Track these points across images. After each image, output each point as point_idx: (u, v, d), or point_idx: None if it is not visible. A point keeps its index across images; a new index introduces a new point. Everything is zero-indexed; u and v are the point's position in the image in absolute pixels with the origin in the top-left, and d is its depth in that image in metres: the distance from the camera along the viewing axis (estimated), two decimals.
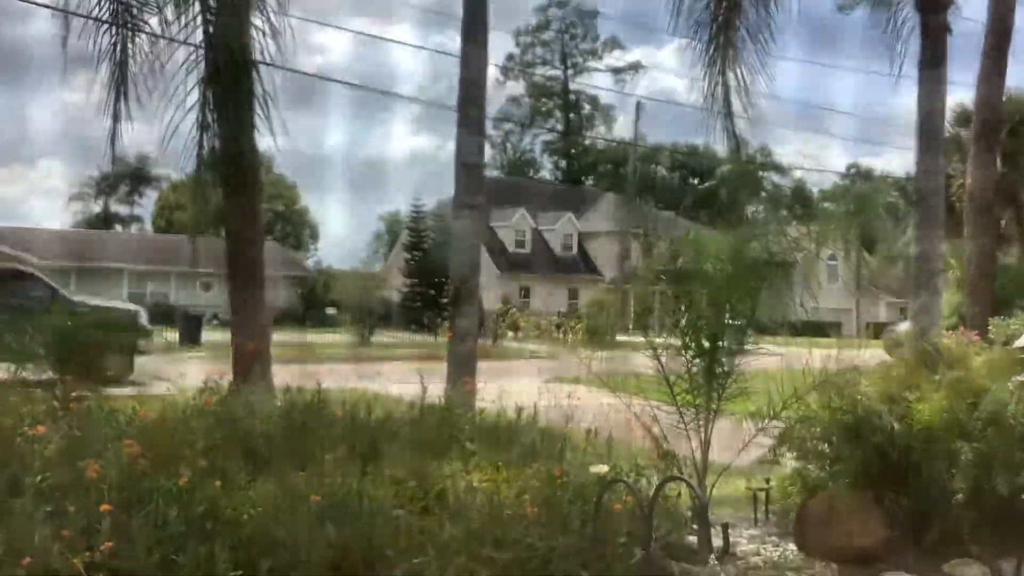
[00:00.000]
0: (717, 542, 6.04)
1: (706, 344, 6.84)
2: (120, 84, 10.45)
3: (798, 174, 70.99)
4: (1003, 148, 23.25)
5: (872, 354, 8.01)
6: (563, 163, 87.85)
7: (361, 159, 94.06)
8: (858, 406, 6.88)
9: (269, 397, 7.69)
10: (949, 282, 18.64)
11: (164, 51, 10.63)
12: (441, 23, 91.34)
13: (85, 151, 75.84)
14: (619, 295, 46.64)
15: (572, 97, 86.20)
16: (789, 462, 7.42)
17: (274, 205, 63.90)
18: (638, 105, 64.24)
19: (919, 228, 11.56)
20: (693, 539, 6.47)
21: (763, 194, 70.76)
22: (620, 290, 47.71)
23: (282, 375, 9.77)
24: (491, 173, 71.25)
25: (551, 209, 60.72)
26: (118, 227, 68.32)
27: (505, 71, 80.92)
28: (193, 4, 10.70)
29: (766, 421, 6.93)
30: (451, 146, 10.85)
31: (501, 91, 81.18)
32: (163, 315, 33.16)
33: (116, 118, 10.50)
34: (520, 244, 58.45)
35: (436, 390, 8.14)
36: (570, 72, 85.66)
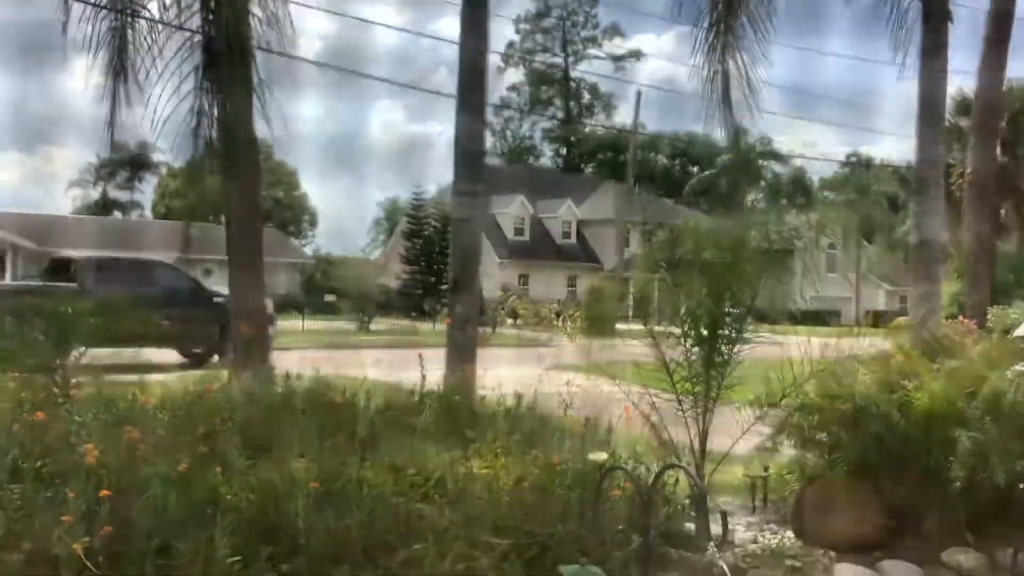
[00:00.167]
0: (716, 529, 6.05)
1: (705, 332, 6.84)
2: (119, 69, 10.43)
3: (798, 162, 70.84)
4: (1003, 137, 23.24)
5: (871, 342, 8.00)
6: (563, 151, 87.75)
7: (360, 145, 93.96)
8: (856, 395, 6.88)
9: (269, 384, 7.70)
10: (949, 271, 18.62)
11: (163, 37, 10.59)
12: (441, 9, 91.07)
13: (85, 137, 75.72)
14: (618, 283, 46.65)
15: (572, 85, 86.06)
16: (787, 450, 7.44)
17: (273, 192, 63.84)
18: (638, 93, 64.29)
19: (919, 217, 11.56)
20: (691, 526, 6.49)
21: (763, 182, 70.59)
22: (619, 278, 47.70)
23: (281, 362, 9.77)
24: (491, 160, 71.16)
25: (551, 196, 60.66)
26: (118, 213, 68.17)
27: (505, 58, 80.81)
28: None
29: (765, 409, 6.94)
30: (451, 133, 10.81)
31: (501, 78, 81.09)
32: None
33: (115, 104, 10.49)
34: (519, 231, 58.43)
35: (435, 378, 8.15)
36: (570, 60, 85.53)
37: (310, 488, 5.24)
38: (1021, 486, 6.44)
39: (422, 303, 43.89)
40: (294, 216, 72.69)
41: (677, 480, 6.66)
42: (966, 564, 6.52)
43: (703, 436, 6.81)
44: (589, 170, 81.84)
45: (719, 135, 12.12)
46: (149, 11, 10.70)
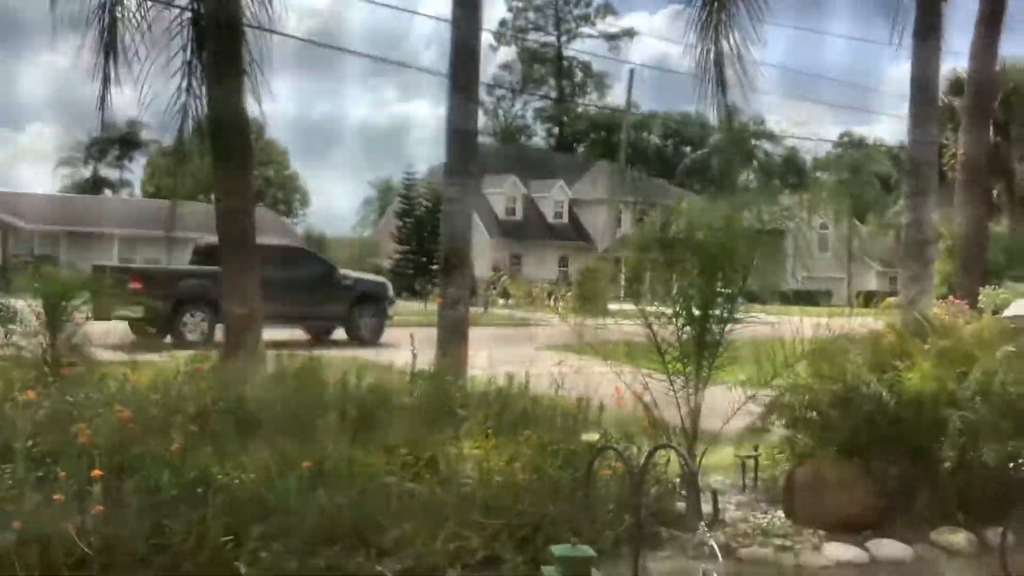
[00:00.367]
0: (706, 509, 6.07)
1: (697, 312, 6.85)
2: (109, 48, 10.34)
3: (790, 142, 70.71)
4: (996, 118, 23.19)
5: (862, 322, 8.01)
6: (555, 130, 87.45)
7: (352, 125, 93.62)
8: (848, 374, 6.90)
9: (260, 364, 7.69)
10: (940, 251, 18.64)
11: (152, 14, 10.51)
12: None
13: (74, 115, 75.21)
14: (610, 263, 46.64)
15: (565, 63, 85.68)
16: (778, 430, 7.45)
17: (264, 171, 63.53)
18: (631, 72, 63.85)
19: (911, 197, 11.52)
20: (682, 506, 6.51)
21: (755, 163, 70.51)
22: (611, 258, 47.67)
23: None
24: (483, 139, 70.91)
25: (543, 176, 60.51)
26: (108, 192, 67.82)
27: (498, 37, 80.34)
28: None
29: (756, 389, 6.95)
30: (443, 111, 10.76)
31: (493, 57, 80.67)
32: None
33: (105, 82, 10.41)
34: (511, 211, 58.31)
35: (426, 357, 8.14)
36: (563, 38, 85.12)
37: (303, 468, 5.24)
38: (1011, 465, 6.46)
39: (414, 283, 43.83)
40: (285, 195, 72.40)
41: (668, 460, 6.67)
42: (956, 543, 6.56)
43: (694, 416, 6.82)
44: (581, 150, 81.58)
45: (712, 115, 12.05)
46: None
